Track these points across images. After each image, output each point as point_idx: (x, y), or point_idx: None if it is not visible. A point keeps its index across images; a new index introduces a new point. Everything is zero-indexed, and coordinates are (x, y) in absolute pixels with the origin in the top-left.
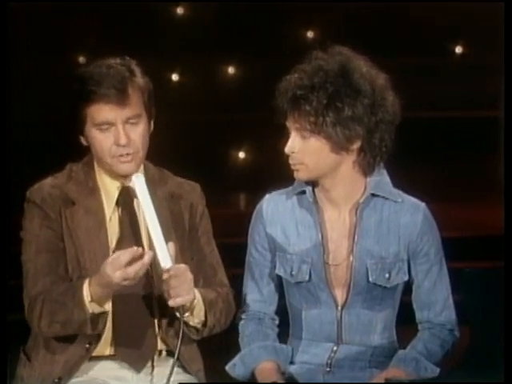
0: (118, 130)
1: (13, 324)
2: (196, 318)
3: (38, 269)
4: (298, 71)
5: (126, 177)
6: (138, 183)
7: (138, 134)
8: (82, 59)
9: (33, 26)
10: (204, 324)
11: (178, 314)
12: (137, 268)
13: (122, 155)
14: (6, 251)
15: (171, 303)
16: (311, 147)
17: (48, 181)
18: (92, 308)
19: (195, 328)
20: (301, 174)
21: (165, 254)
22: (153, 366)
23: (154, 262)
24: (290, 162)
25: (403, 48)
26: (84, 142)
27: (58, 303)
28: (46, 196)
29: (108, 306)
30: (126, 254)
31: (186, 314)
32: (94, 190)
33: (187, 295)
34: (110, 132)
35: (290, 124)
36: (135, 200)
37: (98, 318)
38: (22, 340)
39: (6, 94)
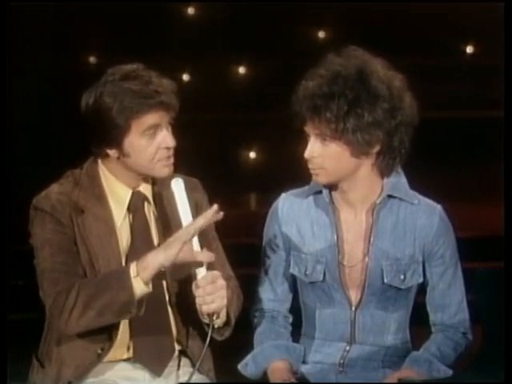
0: (165, 134)
1: (13, 324)
2: (220, 320)
3: (56, 267)
4: (315, 77)
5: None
6: (178, 188)
7: (172, 135)
8: (92, 59)
9: (40, 26)
10: (227, 323)
11: (204, 320)
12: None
13: (167, 157)
14: (6, 251)
15: (205, 309)
16: (331, 152)
17: (54, 188)
18: (136, 287)
19: (217, 329)
20: (320, 178)
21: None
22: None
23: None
24: (310, 166)
25: (414, 48)
26: (113, 154)
27: (98, 287)
28: (55, 203)
29: (150, 286)
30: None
31: (215, 319)
32: (101, 197)
33: (221, 302)
34: (154, 137)
35: (309, 129)
36: (146, 205)
37: (142, 299)
38: (21, 340)
39: (7, 95)
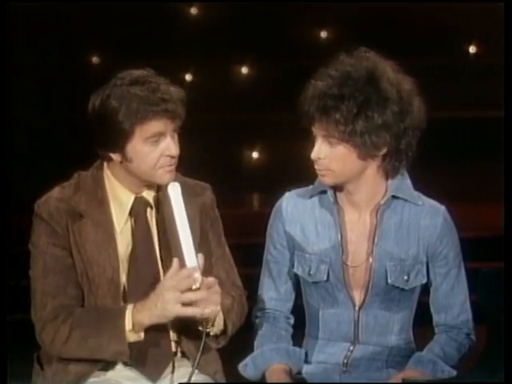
0: (168, 141)
1: (13, 324)
2: (216, 328)
3: (46, 290)
4: (324, 77)
5: (146, 186)
6: (174, 193)
7: (177, 143)
8: (94, 59)
9: (40, 26)
10: (223, 332)
11: (200, 327)
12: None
13: (169, 165)
14: (6, 251)
15: (198, 314)
16: (338, 154)
17: (55, 193)
18: (129, 337)
19: (214, 337)
20: (327, 180)
21: (195, 267)
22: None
23: (167, 268)
24: (316, 167)
25: (415, 48)
26: (116, 158)
27: (90, 330)
28: (52, 211)
29: (142, 334)
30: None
31: (209, 326)
32: (103, 202)
33: (215, 307)
34: (158, 144)
35: (316, 130)
36: (148, 210)
37: (133, 346)
38: (21, 340)
39: (7, 95)
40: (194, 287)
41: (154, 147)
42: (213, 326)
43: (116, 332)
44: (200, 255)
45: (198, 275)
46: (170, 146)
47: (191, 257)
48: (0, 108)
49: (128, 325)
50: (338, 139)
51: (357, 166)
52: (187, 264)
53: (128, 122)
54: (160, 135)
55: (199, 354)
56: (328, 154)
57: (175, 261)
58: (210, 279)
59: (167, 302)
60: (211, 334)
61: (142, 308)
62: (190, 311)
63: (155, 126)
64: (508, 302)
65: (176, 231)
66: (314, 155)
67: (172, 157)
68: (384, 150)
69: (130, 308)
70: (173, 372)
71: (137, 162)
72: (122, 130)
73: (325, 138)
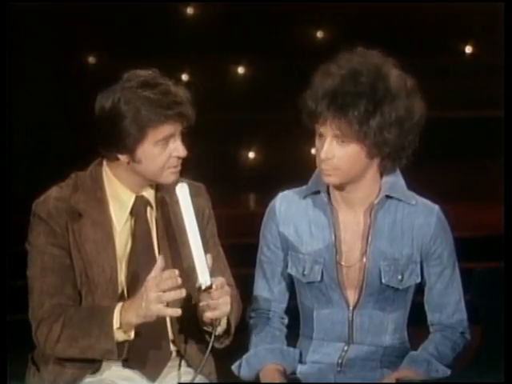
0: (178, 143)
1: (13, 324)
2: (221, 328)
3: (44, 289)
4: (332, 75)
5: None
6: (182, 193)
7: (183, 143)
8: (91, 59)
9: (40, 26)
10: (226, 331)
11: (205, 327)
12: (174, 295)
13: (175, 166)
14: (6, 251)
15: (209, 315)
16: (349, 153)
17: (53, 193)
18: (118, 336)
19: (218, 337)
20: (333, 179)
21: (204, 268)
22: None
23: (166, 268)
24: (323, 167)
25: (414, 48)
26: (124, 159)
27: (80, 329)
28: (51, 210)
29: (132, 334)
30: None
31: (217, 325)
32: (102, 201)
33: (225, 307)
34: (167, 145)
35: (326, 130)
36: (148, 210)
37: (123, 345)
38: (21, 340)
39: (7, 95)
40: (203, 287)
41: (164, 149)
42: (219, 325)
43: (104, 330)
44: (209, 256)
45: (208, 276)
46: (178, 147)
47: (201, 257)
48: (0, 108)
49: (116, 323)
50: (351, 138)
51: (362, 165)
52: (196, 264)
53: (141, 126)
54: (170, 137)
55: (207, 354)
56: (338, 153)
57: (159, 259)
58: (221, 279)
59: (150, 301)
60: (216, 333)
61: (128, 307)
62: (169, 311)
63: (167, 129)
64: (508, 302)
65: (181, 231)
66: (324, 155)
67: (180, 158)
68: (389, 148)
69: (118, 307)
70: (178, 371)
71: (145, 163)
72: (134, 134)
73: (335, 137)
